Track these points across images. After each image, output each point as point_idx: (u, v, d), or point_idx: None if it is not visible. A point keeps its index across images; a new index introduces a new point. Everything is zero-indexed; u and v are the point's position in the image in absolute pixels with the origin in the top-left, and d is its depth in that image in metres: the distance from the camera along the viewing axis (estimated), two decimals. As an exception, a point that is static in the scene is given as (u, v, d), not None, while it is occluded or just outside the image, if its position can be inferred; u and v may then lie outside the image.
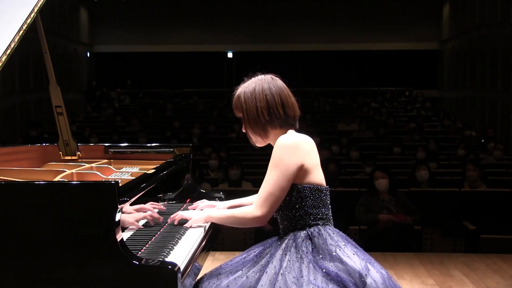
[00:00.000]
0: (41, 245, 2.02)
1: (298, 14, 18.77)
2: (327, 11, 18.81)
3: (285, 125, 2.43)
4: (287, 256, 2.25)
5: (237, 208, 2.48)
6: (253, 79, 2.51)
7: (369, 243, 5.77)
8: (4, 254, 2.04)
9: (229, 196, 3.19)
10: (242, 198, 2.80)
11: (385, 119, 12.83)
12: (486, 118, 14.01)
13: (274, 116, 2.41)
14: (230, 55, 19.85)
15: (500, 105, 13.30)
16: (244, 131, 2.52)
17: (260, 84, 2.46)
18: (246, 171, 7.42)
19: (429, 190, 6.59)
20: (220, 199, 3.25)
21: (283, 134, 2.41)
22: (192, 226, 2.56)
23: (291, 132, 2.43)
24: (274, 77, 2.51)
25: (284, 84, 2.50)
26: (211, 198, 3.16)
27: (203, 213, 2.58)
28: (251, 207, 2.38)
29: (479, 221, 6.06)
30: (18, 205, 2.06)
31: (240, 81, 2.52)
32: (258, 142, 2.49)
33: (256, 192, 2.82)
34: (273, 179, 2.30)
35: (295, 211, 2.34)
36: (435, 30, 18.70)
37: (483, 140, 11.03)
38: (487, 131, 11.63)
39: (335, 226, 2.41)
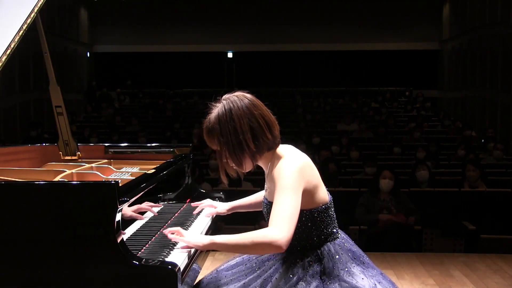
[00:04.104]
0: (41, 245, 2.02)
1: (298, 14, 18.76)
2: (327, 11, 18.80)
3: (273, 146, 2.24)
4: (295, 278, 2.18)
5: (250, 232, 2.09)
6: (224, 102, 2.20)
7: (369, 243, 5.78)
8: (4, 254, 2.04)
9: (229, 196, 3.19)
10: (245, 198, 2.77)
11: (385, 119, 12.83)
12: (486, 118, 14.01)
13: (263, 143, 2.18)
14: (230, 55, 19.84)
15: (500, 105, 13.30)
16: (222, 161, 2.23)
17: (237, 108, 2.16)
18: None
19: (429, 190, 6.59)
20: (220, 199, 3.25)
21: (272, 155, 2.25)
22: (180, 248, 2.23)
23: (286, 154, 2.23)
24: (245, 93, 2.23)
25: (258, 100, 2.23)
26: (211, 198, 3.16)
27: (204, 238, 2.18)
28: (268, 229, 2.06)
29: (479, 221, 6.06)
30: (18, 205, 2.06)
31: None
32: (246, 169, 2.25)
33: (255, 192, 2.81)
34: (288, 201, 2.08)
35: (305, 234, 2.25)
36: (435, 30, 18.70)
37: (483, 140, 11.03)
38: (487, 131, 11.62)
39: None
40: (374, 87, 18.34)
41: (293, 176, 2.13)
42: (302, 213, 2.19)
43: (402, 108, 15.91)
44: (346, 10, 18.77)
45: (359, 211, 6.00)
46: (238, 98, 2.20)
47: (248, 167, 2.24)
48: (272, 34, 18.71)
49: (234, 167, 2.26)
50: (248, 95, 2.23)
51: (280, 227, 2.04)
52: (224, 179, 2.30)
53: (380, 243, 5.76)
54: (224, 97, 2.24)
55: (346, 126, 12.20)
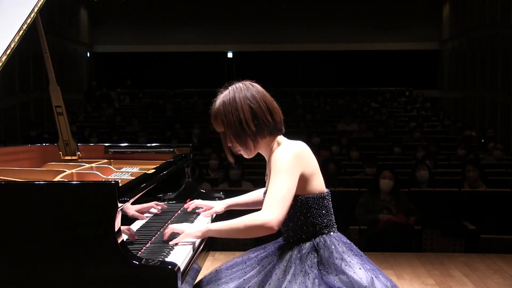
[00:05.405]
0: (40, 245, 2.02)
1: (298, 14, 18.76)
2: (327, 11, 18.81)
3: (275, 131, 2.32)
4: (292, 269, 2.21)
5: (243, 216, 2.19)
6: (230, 88, 2.33)
7: (369, 243, 5.78)
8: (4, 254, 2.04)
9: (229, 196, 3.19)
10: (241, 196, 2.78)
11: (385, 119, 12.83)
12: (486, 118, 14.01)
13: (263, 125, 2.27)
14: (230, 55, 19.85)
15: (500, 105, 13.30)
16: (228, 145, 2.32)
17: (240, 92, 2.29)
18: (246, 171, 7.42)
19: (429, 190, 6.59)
20: (220, 199, 3.25)
21: (273, 141, 2.33)
22: (182, 242, 2.31)
23: (285, 141, 2.33)
24: (253, 83, 2.35)
25: (264, 89, 2.35)
26: (211, 198, 3.16)
27: (200, 226, 2.31)
28: (259, 212, 2.17)
29: (479, 221, 6.06)
30: (18, 205, 2.06)
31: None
32: (247, 154, 2.33)
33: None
34: (282, 183, 2.16)
35: (300, 222, 2.28)
36: (435, 30, 18.70)
37: (483, 140, 11.03)
38: (487, 131, 11.62)
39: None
40: (374, 87, 18.34)
41: (289, 159, 2.21)
42: (297, 198, 2.25)
43: (402, 108, 15.91)
44: (346, 10, 18.78)
45: (359, 211, 6.00)
46: (243, 84, 2.34)
47: (251, 150, 2.31)
48: (272, 34, 18.71)
49: (239, 152, 2.34)
50: (255, 84, 2.35)
51: (272, 209, 2.14)
52: (230, 158, 2.40)
53: (380, 243, 5.76)
54: (231, 84, 2.36)
55: (346, 126, 12.20)
